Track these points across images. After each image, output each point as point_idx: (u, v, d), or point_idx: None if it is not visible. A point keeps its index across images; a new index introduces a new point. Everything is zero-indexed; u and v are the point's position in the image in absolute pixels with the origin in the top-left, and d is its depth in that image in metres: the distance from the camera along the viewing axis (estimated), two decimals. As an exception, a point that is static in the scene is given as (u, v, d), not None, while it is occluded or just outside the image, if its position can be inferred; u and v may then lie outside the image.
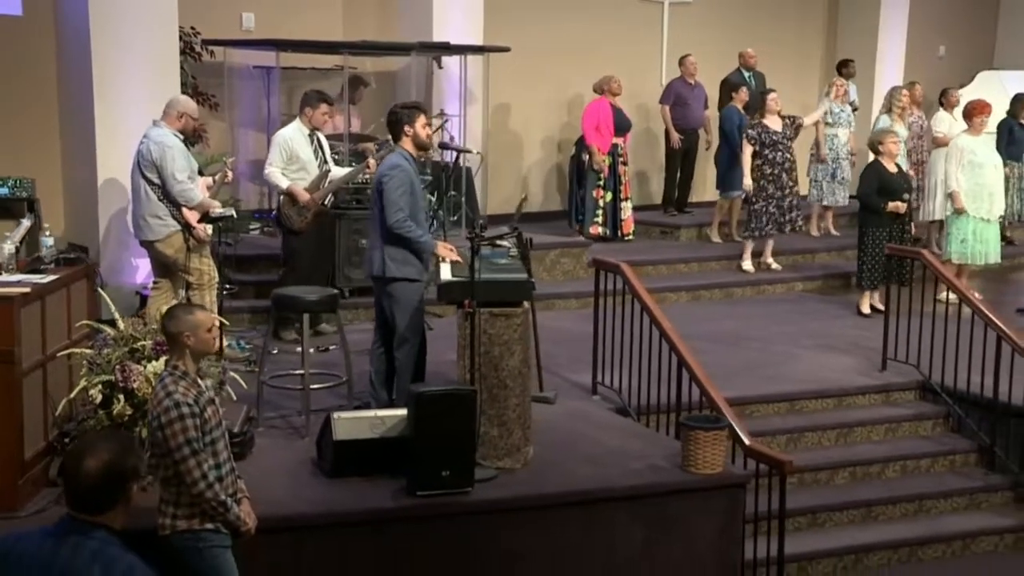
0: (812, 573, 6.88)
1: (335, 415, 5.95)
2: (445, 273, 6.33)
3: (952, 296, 10.56)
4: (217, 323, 5.27)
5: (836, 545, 7.01)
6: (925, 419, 8.05)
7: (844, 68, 14.04)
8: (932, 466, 7.76)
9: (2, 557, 3.15)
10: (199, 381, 4.76)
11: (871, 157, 10.16)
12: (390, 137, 10.24)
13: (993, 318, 7.67)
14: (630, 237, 11.91)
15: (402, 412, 5.92)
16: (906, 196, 9.83)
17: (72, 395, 5.53)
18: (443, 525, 5.70)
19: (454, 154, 11.39)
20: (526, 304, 6.21)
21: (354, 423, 5.92)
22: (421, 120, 6.65)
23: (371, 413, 6.07)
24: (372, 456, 5.87)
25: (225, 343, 7.90)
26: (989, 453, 7.73)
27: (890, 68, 15.46)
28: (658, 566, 6.04)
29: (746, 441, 6.27)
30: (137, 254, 8.52)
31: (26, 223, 6.68)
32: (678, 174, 13.00)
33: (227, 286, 8.99)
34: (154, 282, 8.06)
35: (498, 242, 6.83)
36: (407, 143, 6.64)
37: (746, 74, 13.14)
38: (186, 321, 4.70)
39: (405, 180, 6.46)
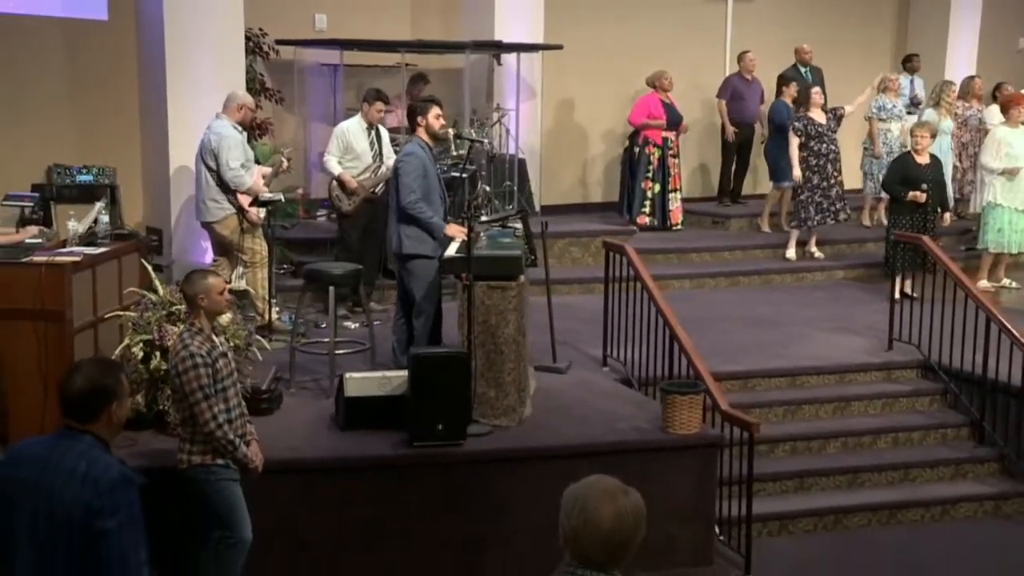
0: (793, 530, 7.43)
1: (347, 375, 6.73)
2: (451, 250, 7.05)
3: (987, 283, 11.02)
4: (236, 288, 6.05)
5: (818, 506, 7.55)
6: (923, 395, 8.52)
7: (908, 62, 14.38)
8: (924, 439, 8.22)
9: (14, 456, 3.96)
10: (213, 337, 5.56)
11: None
12: (450, 130, 11.13)
13: (983, 300, 8.09)
14: (678, 227, 12.45)
15: (406, 373, 6.64)
16: (924, 186, 10.18)
17: (117, 351, 6.37)
18: (437, 472, 6.42)
19: (512, 146, 12.17)
20: (522, 278, 6.86)
21: (363, 382, 6.69)
22: (433, 112, 7.38)
23: (379, 374, 6.84)
24: (379, 411, 6.62)
25: (275, 316, 8.78)
26: (979, 427, 8.16)
27: (961, 62, 15.57)
28: (635, 516, 6.66)
29: (722, 406, 6.86)
30: (205, 236, 9.40)
31: (99, 205, 7.58)
32: (733, 166, 13.49)
33: (284, 266, 9.87)
34: (213, 260, 8.92)
35: (509, 223, 7.52)
36: (422, 133, 7.39)
37: (802, 69, 13.53)
38: (201, 285, 5.50)
39: (418, 166, 7.20)
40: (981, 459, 8.06)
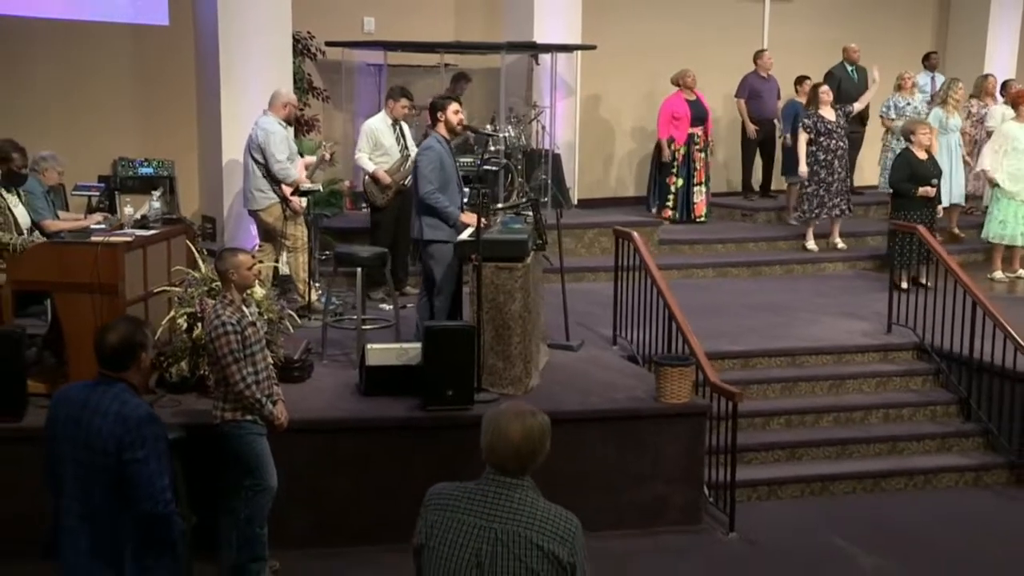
0: (781, 495, 8.00)
1: (368, 346, 7.46)
2: (464, 234, 7.74)
3: (1002, 275, 11.48)
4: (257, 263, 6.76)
5: (807, 473, 8.12)
6: (916, 375, 9.03)
7: (927, 60, 14.81)
8: (914, 415, 8.74)
9: (59, 398, 4.74)
10: (243, 307, 6.30)
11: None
12: (489, 126, 11.84)
13: (970, 285, 8.60)
14: (702, 219, 13.03)
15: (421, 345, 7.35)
16: (934, 181, 10.66)
17: (163, 323, 7.15)
18: (447, 433, 7.11)
19: (548, 141, 12.85)
20: (528, 260, 7.53)
21: (383, 352, 7.42)
22: (451, 108, 8.08)
23: (397, 345, 7.57)
24: (397, 379, 7.33)
25: (315, 297, 9.54)
26: (967, 405, 8.68)
27: (1002, 61, 15.90)
28: (628, 478, 7.33)
29: (711, 379, 7.47)
30: (253, 223, 10.19)
31: (155, 194, 8.40)
32: (756, 162, 14.03)
33: (327, 252, 10.63)
34: (259, 246, 9.69)
35: (521, 211, 8.22)
36: (441, 128, 8.09)
37: (848, 68, 14.01)
38: (231, 261, 6.25)
39: (435, 159, 7.90)
40: (966, 433, 8.57)
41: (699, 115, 12.97)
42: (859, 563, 7.07)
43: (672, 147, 12.86)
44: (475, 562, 3.46)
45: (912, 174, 10.69)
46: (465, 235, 7.71)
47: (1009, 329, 8.31)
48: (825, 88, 12.28)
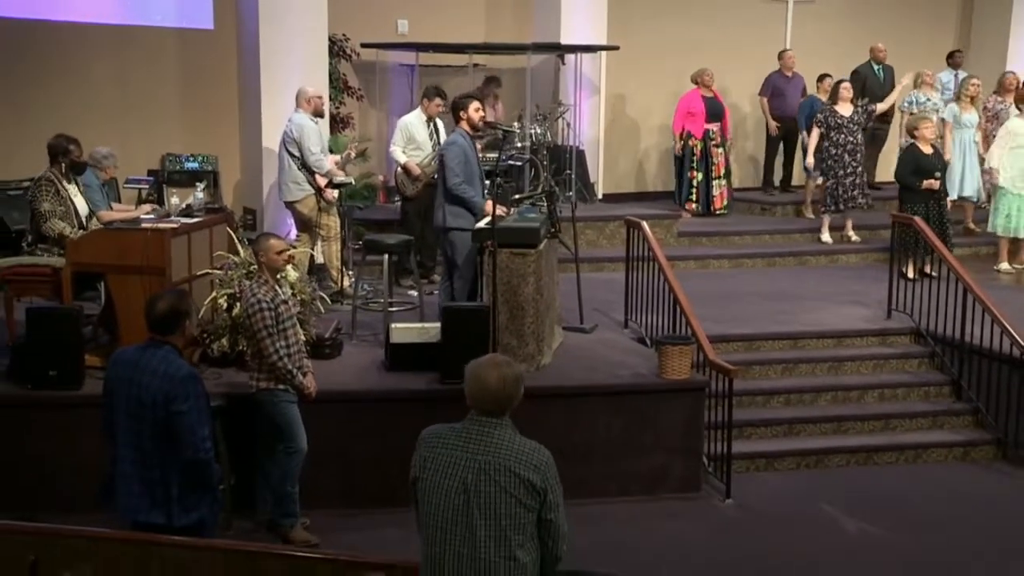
0: (779, 468, 8.55)
1: (393, 325, 8.10)
2: (481, 222, 8.35)
3: (1008, 266, 11.93)
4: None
5: (803, 447, 8.66)
6: (912, 358, 9.53)
7: (951, 58, 15.22)
8: (908, 395, 9.25)
9: (115, 359, 5.41)
10: (276, 287, 6.96)
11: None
12: (515, 124, 12.43)
13: (961, 273, 9.10)
14: (722, 212, 13.57)
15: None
16: (938, 174, 11.11)
17: (206, 302, 7.83)
18: (462, 405, 7.66)
19: (572, 138, 13.45)
20: (540, 247, 8.12)
21: (406, 331, 8.06)
22: (473, 106, 8.70)
23: (419, 324, 8.21)
24: (418, 355, 7.97)
25: (347, 284, 10.20)
26: (958, 385, 9.19)
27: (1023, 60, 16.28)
28: (632, 448, 7.92)
29: (709, 356, 8.04)
30: (290, 215, 10.85)
31: (200, 186, 9.09)
32: (778, 158, 14.54)
33: (360, 241, 11.28)
34: (296, 236, 10.36)
35: (536, 202, 8.84)
36: (464, 124, 8.70)
37: (875, 67, 14.46)
38: (264, 245, 6.92)
39: (459, 153, 8.53)
40: (957, 412, 9.07)
41: (715, 112, 13.45)
42: (845, 527, 7.61)
43: (690, 142, 13.38)
44: (462, 488, 4.09)
45: (917, 168, 11.12)
46: (482, 222, 8.32)
47: (997, 314, 8.80)
48: (846, 84, 12.62)
